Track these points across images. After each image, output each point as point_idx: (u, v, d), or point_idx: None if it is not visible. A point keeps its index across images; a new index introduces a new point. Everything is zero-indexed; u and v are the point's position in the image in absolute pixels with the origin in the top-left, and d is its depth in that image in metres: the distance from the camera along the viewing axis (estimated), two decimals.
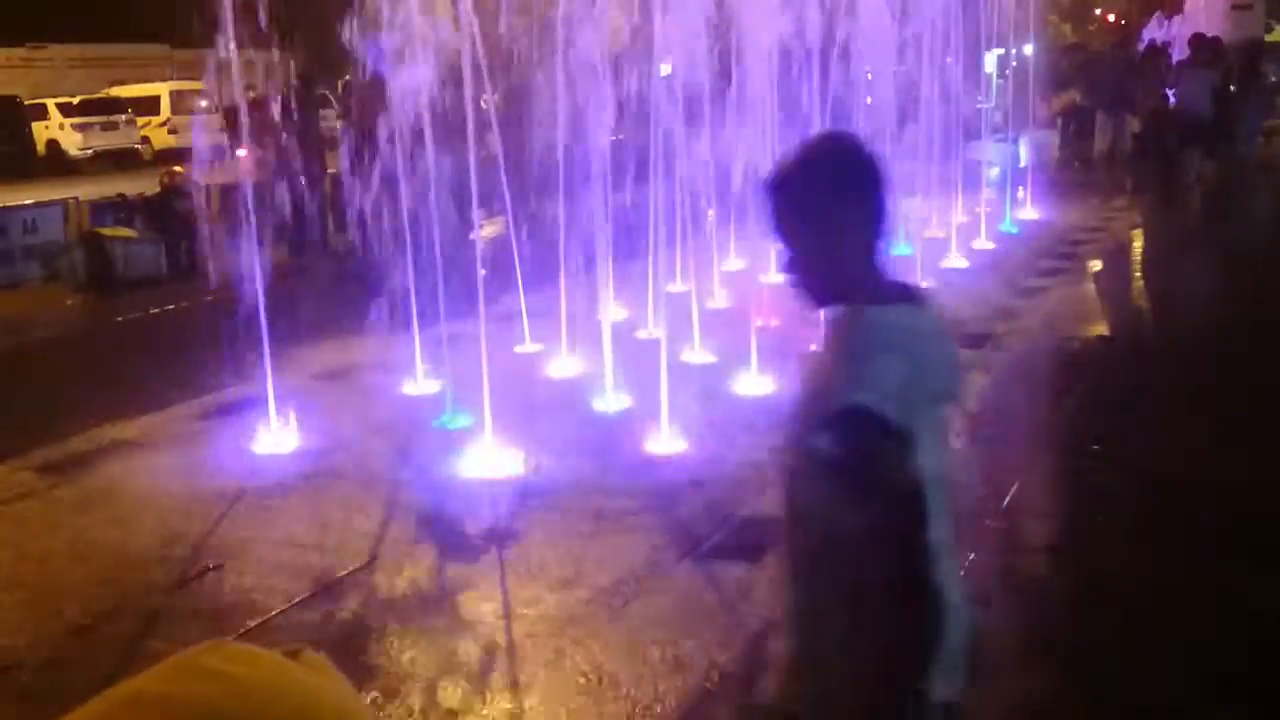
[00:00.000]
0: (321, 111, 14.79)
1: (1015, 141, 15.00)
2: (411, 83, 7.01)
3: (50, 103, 28.22)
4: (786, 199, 2.04)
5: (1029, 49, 15.92)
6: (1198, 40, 16.91)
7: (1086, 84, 18.06)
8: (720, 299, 9.45)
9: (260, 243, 6.78)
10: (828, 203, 2.00)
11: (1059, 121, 18.72)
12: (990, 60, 17.12)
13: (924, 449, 1.97)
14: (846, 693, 2.02)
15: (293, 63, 13.25)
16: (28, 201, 13.51)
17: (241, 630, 4.30)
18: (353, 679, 0.83)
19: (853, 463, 1.92)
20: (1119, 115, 17.07)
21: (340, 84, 15.80)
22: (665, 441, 6.22)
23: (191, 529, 5.31)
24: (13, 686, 4.05)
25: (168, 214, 12.60)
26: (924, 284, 1.94)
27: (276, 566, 4.90)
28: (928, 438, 2.00)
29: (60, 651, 4.25)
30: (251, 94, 11.05)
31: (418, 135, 7.08)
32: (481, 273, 6.77)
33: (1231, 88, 16.43)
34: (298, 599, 4.58)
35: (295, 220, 12.00)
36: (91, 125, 28.27)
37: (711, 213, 9.81)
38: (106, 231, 12.34)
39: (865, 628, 1.96)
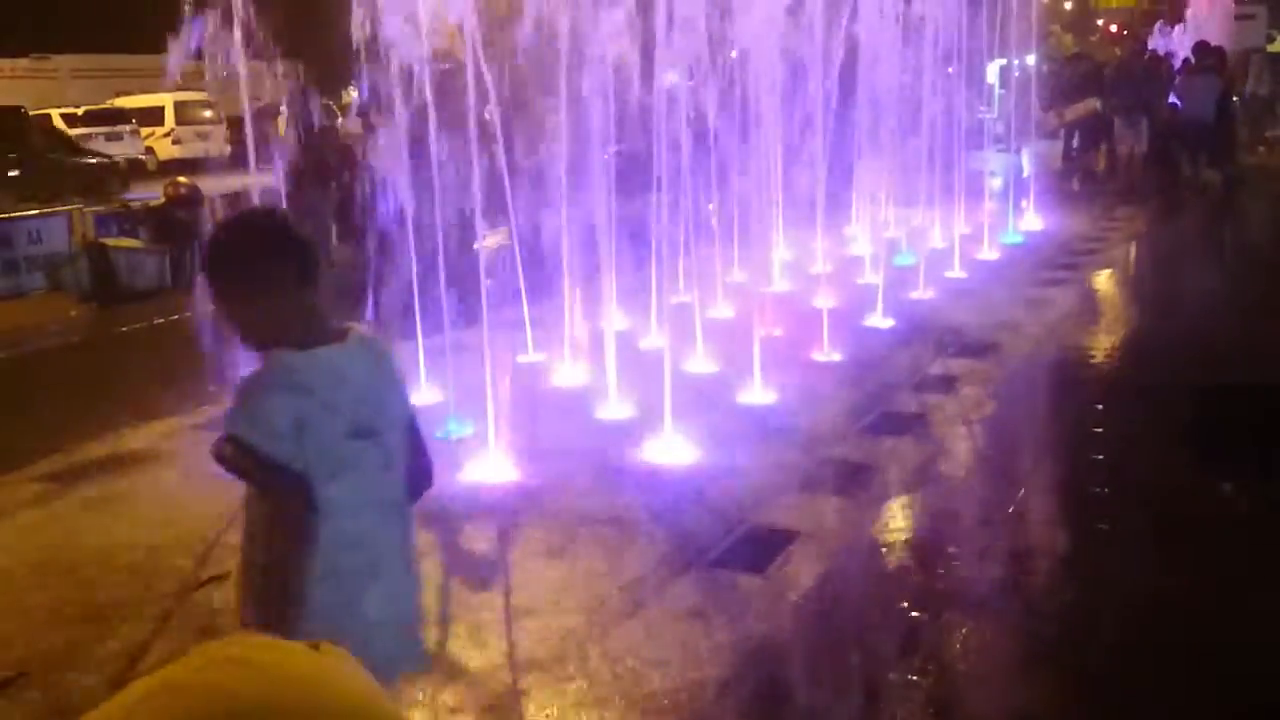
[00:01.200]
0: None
1: (1018, 151, 15.03)
2: (415, 92, 7.03)
3: (55, 113, 28.31)
4: (209, 274, 2.38)
5: (1031, 59, 15.95)
6: (1202, 47, 17.02)
7: (1107, 91, 18.05)
8: (723, 309, 9.46)
9: None
10: (235, 273, 2.35)
11: (1062, 132, 18.74)
12: (992, 71, 17.16)
13: (349, 478, 2.32)
14: None
15: (299, 73, 13.28)
16: (32, 211, 13.54)
17: None
18: None
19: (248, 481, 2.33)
20: (1136, 122, 17.13)
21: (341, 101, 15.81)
22: (668, 451, 6.22)
23: (196, 538, 5.31)
24: (19, 695, 4.05)
25: (172, 224, 12.62)
26: (365, 327, 2.42)
27: None
28: (359, 468, 2.35)
29: (66, 660, 4.26)
30: (257, 105, 11.08)
31: (421, 144, 7.10)
32: (486, 282, 6.78)
33: (1235, 98, 16.51)
34: None
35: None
36: (96, 136, 28.35)
37: (713, 208, 9.82)
38: (110, 242, 12.36)
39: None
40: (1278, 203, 16.29)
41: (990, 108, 17.72)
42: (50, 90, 32.08)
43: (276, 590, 2.31)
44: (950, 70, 12.37)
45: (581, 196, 8.22)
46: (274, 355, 2.31)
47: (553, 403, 7.24)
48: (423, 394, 7.37)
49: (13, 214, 13.42)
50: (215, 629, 4.43)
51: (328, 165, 12.38)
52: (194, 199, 13.14)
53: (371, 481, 2.39)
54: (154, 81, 32.46)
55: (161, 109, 29.91)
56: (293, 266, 2.35)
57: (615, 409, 6.96)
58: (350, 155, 12.12)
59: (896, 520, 5.40)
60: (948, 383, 7.47)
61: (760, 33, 9.11)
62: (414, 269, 7.34)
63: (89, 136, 26.62)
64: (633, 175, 8.80)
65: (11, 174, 19.55)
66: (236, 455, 2.26)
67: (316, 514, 2.29)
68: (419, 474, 2.62)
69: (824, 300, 8.90)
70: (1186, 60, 17.88)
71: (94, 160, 23.50)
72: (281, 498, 2.30)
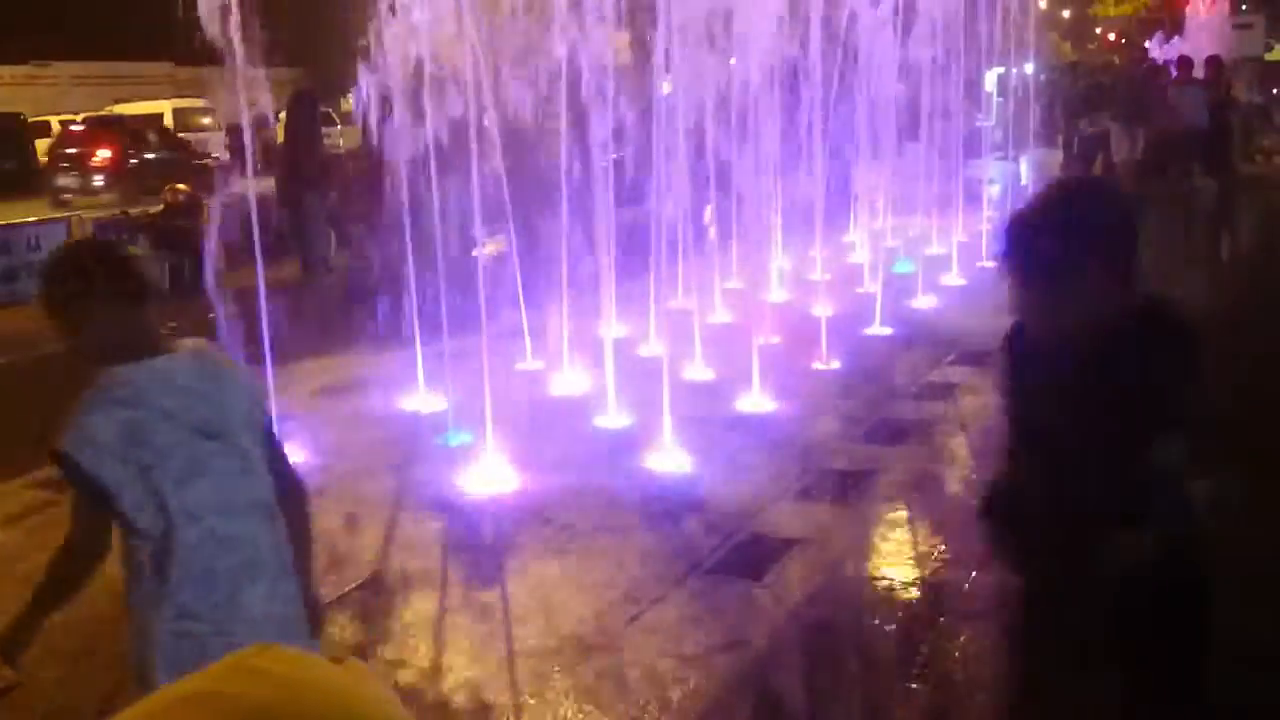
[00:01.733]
0: (324, 129, 14.81)
1: (1016, 160, 15.05)
2: (416, 102, 7.04)
3: (54, 120, 28.32)
4: (44, 305, 2.57)
5: (1029, 67, 15.98)
6: (1185, 61, 17.19)
7: (1106, 100, 18.15)
8: (721, 316, 9.47)
9: (263, 260, 6.80)
10: (65, 301, 2.51)
11: (1060, 139, 18.79)
12: (990, 79, 17.18)
13: (207, 481, 2.43)
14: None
15: (299, 81, 13.30)
16: (32, 219, 13.54)
17: None
18: None
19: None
20: (1133, 131, 17.20)
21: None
22: (666, 458, 6.22)
23: None
24: (18, 704, 4.04)
25: (171, 231, 12.63)
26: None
27: None
28: (215, 470, 2.45)
29: (67, 668, 4.25)
30: (256, 111, 11.08)
31: (422, 153, 7.11)
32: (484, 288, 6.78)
33: (1232, 107, 16.55)
34: None
35: (298, 237, 12.03)
36: None
37: (710, 210, 9.82)
38: None
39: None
40: (1272, 211, 16.31)
41: (988, 116, 17.71)
42: (50, 97, 32.13)
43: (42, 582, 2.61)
44: (949, 77, 12.37)
45: (579, 203, 8.23)
46: (102, 372, 2.44)
47: (551, 411, 7.24)
48: (421, 401, 7.38)
49: (12, 221, 13.42)
50: None
51: (320, 172, 12.40)
52: (193, 206, 13.15)
53: (232, 484, 2.49)
54: (153, 88, 32.57)
55: (160, 116, 29.92)
56: (116, 290, 2.48)
57: (614, 417, 6.96)
58: (337, 166, 12.16)
59: (895, 528, 5.40)
60: (947, 390, 7.48)
61: (759, 39, 9.13)
62: (412, 275, 7.35)
63: None
64: (632, 182, 8.81)
65: (132, 162, 23.59)
66: (63, 470, 2.42)
67: (139, 536, 2.44)
68: (288, 486, 2.69)
69: (823, 308, 8.91)
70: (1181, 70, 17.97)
71: (206, 159, 24.21)
72: (88, 507, 2.46)
